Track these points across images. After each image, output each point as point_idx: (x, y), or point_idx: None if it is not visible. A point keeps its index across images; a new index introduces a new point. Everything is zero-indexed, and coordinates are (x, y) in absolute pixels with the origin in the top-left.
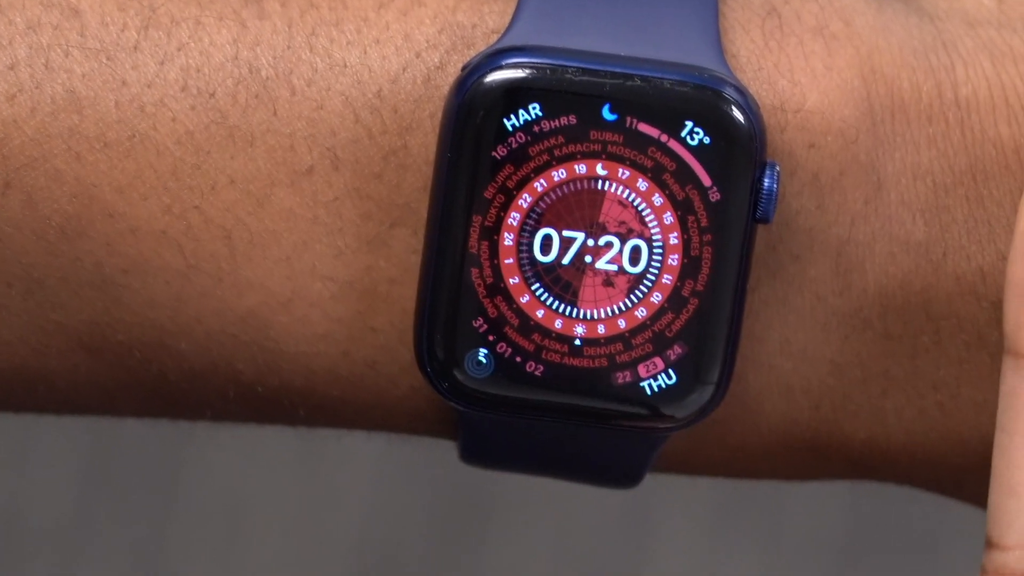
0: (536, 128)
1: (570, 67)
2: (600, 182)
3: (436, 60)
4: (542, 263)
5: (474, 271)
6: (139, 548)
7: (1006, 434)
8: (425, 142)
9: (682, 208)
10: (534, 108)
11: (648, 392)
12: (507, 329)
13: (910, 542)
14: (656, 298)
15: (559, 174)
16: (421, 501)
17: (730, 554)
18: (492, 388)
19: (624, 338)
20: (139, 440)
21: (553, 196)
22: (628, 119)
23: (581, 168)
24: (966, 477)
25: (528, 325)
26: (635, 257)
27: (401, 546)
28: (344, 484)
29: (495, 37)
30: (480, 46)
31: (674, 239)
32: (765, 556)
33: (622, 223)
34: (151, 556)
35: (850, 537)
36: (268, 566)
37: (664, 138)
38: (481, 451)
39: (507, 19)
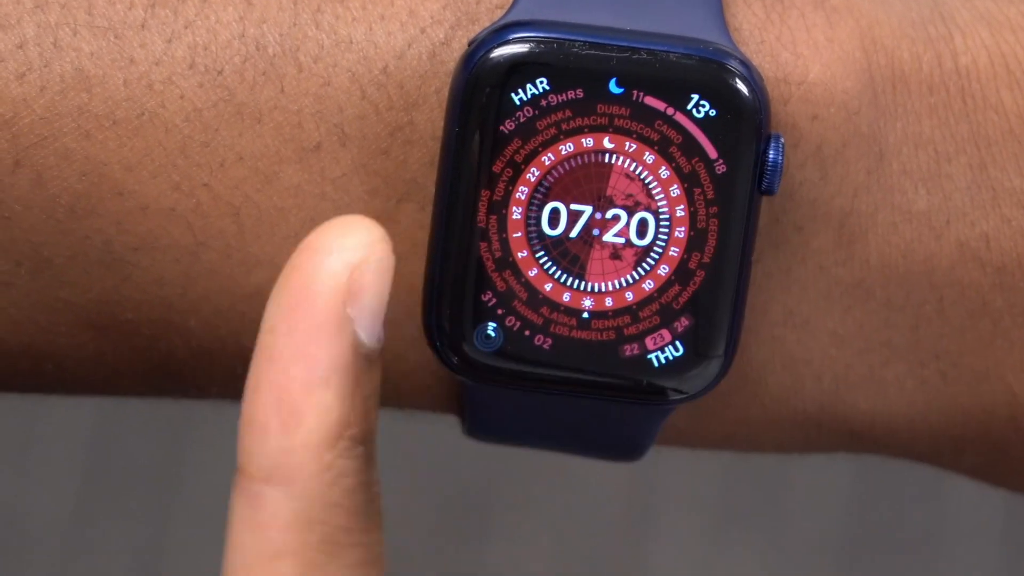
0: (543, 102)
1: (577, 41)
2: (607, 155)
3: (441, 36)
4: (550, 236)
5: (483, 245)
6: (140, 547)
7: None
8: (431, 117)
9: (688, 181)
10: (541, 82)
11: (655, 364)
12: (515, 303)
13: (910, 542)
14: (663, 270)
15: (566, 148)
16: (421, 500)
17: (730, 554)
18: (500, 362)
19: (631, 311)
20: (140, 440)
21: (561, 170)
22: (635, 92)
23: (588, 142)
24: (965, 447)
25: (536, 299)
26: (642, 230)
27: (401, 546)
28: None
29: (499, 12)
30: (484, 21)
31: (680, 212)
32: (765, 556)
33: (629, 196)
34: (152, 555)
35: (850, 537)
36: None
37: (670, 111)
38: (487, 426)
39: None
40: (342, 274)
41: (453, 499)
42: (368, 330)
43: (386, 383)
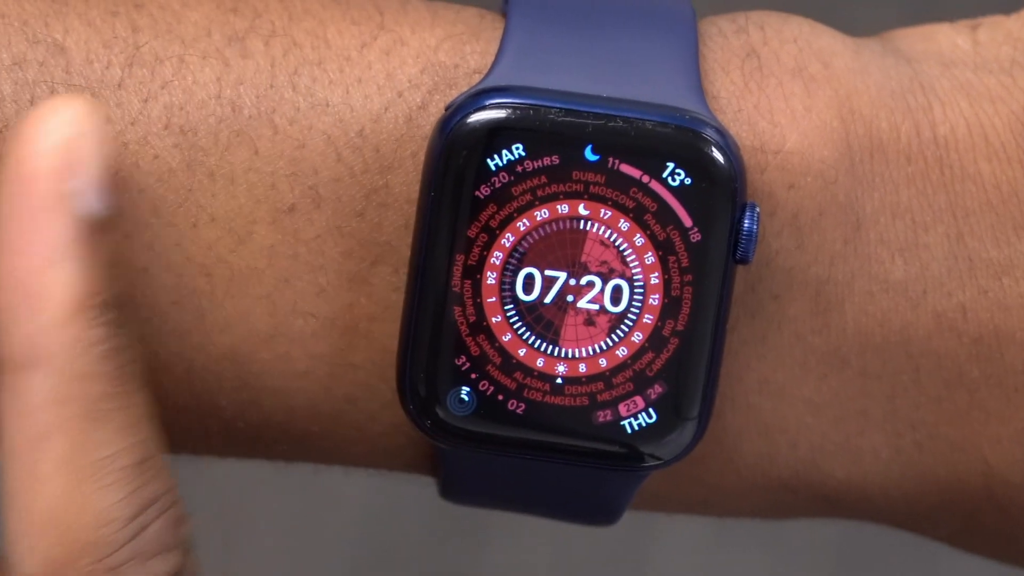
0: (519, 168)
1: (553, 108)
2: (582, 222)
3: (418, 100)
4: (524, 302)
5: (457, 309)
6: None
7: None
8: (406, 181)
9: (663, 248)
10: (517, 148)
11: (628, 431)
12: (489, 367)
13: (909, 542)
14: (637, 337)
15: (541, 214)
16: (421, 501)
17: (730, 554)
18: (474, 426)
19: (605, 377)
20: None
21: (536, 235)
22: (610, 160)
23: (563, 208)
24: (942, 516)
25: (510, 363)
26: (616, 297)
27: (401, 547)
28: (343, 485)
29: (477, 77)
30: (462, 86)
31: (655, 279)
32: (765, 556)
33: (604, 263)
34: None
35: (849, 538)
36: (267, 566)
37: (646, 179)
38: (461, 488)
39: (489, 59)
40: (51, 153)
41: None
42: (96, 198)
43: (358, 444)
